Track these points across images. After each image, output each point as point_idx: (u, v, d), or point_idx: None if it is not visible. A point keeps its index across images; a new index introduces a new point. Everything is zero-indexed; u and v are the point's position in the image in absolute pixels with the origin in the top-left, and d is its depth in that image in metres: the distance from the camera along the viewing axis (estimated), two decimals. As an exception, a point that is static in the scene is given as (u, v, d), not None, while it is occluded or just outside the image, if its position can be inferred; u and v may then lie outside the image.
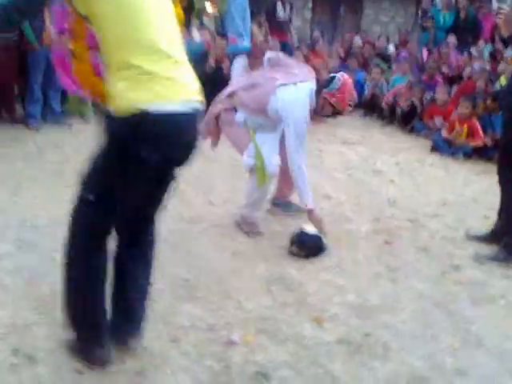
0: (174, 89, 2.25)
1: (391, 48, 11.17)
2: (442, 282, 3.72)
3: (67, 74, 2.67)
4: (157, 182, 2.45)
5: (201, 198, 4.92)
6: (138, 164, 2.25)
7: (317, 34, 11.91)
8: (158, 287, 2.97)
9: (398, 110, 8.55)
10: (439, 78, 8.94)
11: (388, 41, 11.51)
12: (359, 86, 9.44)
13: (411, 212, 4.97)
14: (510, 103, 4.15)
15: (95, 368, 2.52)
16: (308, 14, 13.45)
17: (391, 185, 5.80)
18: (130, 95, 2.18)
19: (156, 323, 2.89)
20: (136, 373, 2.56)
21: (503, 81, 8.46)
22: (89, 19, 2.27)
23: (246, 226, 4.26)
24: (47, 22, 5.92)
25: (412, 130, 8.31)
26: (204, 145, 6.28)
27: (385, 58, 10.67)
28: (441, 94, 8.02)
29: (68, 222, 2.46)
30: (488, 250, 4.19)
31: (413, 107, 8.39)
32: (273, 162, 4.07)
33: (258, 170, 4.03)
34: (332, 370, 2.69)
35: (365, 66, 10.04)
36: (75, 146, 6.04)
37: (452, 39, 10.45)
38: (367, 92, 9.14)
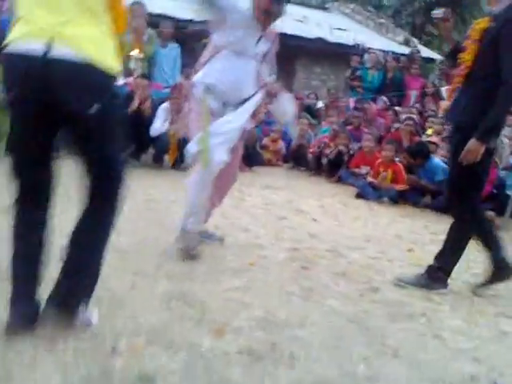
0: (27, 30, 2.24)
1: (320, 104, 11.20)
2: (359, 301, 3.46)
3: None
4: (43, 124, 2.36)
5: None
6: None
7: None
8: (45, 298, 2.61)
9: (325, 160, 8.48)
10: (365, 129, 8.95)
11: (317, 99, 11.56)
12: (287, 139, 9.40)
13: (332, 244, 4.76)
14: (460, 123, 3.76)
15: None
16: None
17: (313, 222, 5.61)
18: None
19: (35, 330, 2.52)
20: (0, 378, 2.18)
21: (430, 132, 8.55)
22: None
23: (185, 245, 3.92)
24: None
25: (338, 180, 8.23)
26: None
27: (313, 113, 10.71)
28: (367, 142, 7.99)
29: None
30: (409, 276, 4.00)
31: (339, 156, 8.34)
32: (221, 155, 3.82)
33: (202, 154, 3.78)
34: (229, 377, 2.37)
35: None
36: None
37: (383, 99, 10.52)
38: (294, 143, 9.07)
